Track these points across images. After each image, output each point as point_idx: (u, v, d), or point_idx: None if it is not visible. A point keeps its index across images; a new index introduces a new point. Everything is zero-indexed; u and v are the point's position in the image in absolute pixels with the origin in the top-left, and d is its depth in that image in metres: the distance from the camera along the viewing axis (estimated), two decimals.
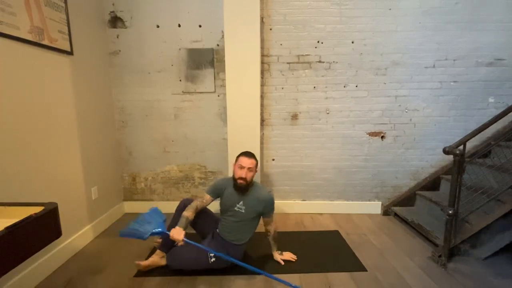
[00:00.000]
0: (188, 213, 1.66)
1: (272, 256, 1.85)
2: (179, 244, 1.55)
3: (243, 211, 1.73)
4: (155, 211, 1.77)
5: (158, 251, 1.75)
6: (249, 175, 1.71)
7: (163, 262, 1.71)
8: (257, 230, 1.80)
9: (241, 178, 1.69)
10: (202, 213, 1.81)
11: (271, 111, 2.50)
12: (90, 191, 2.11)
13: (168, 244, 1.69)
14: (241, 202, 1.74)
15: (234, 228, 1.74)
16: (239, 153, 1.80)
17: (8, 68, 1.43)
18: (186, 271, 1.68)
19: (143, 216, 1.71)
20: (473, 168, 2.08)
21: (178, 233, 1.54)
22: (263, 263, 1.79)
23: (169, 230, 1.59)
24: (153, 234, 1.59)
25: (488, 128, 1.79)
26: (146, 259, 1.79)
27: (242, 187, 1.71)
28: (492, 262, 1.81)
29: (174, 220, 1.74)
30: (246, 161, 1.71)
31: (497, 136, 2.31)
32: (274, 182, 2.62)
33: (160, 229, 1.61)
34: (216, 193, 1.78)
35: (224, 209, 1.77)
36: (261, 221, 1.82)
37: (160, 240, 1.82)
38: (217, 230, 1.80)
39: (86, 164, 2.05)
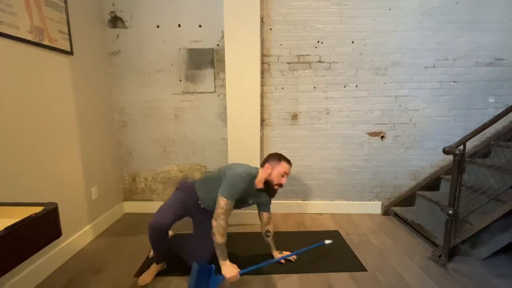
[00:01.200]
0: (224, 238, 1.47)
1: (271, 256, 1.84)
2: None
3: (250, 203, 1.74)
4: (200, 273, 1.44)
5: (154, 264, 1.67)
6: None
7: (164, 266, 1.70)
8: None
9: (280, 185, 1.62)
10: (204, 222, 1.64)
11: (271, 111, 2.50)
12: (90, 191, 2.11)
13: (162, 254, 1.65)
14: (254, 197, 1.72)
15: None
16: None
17: (8, 68, 1.43)
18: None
19: (199, 278, 1.42)
20: (473, 168, 2.09)
21: (235, 276, 1.44)
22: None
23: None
24: None
25: (488, 128, 1.79)
26: (145, 262, 1.81)
27: (275, 193, 1.65)
28: (492, 262, 1.81)
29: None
30: (290, 170, 1.65)
31: (497, 136, 2.32)
32: None
33: (217, 283, 1.46)
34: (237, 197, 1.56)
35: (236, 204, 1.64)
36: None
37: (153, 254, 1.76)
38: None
39: (86, 164, 2.05)
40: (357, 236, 2.19)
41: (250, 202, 1.74)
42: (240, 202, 1.66)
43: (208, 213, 1.61)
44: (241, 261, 1.80)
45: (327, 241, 1.79)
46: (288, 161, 1.67)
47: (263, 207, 1.78)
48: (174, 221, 1.56)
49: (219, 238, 1.45)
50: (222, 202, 1.47)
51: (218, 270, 1.46)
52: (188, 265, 1.59)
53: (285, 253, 1.85)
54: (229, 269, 1.44)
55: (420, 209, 2.46)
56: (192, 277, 1.41)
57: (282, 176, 1.61)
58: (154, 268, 1.66)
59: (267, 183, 1.62)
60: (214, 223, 1.47)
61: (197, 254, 1.61)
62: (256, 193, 1.69)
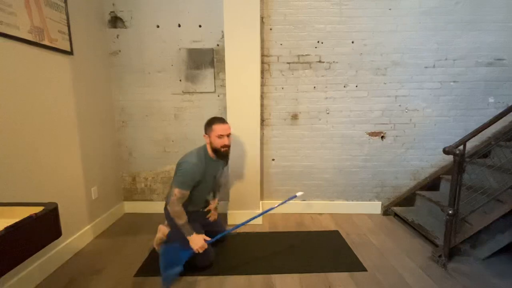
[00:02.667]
0: (183, 220, 1.62)
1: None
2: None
3: (219, 175, 1.90)
4: (168, 251, 1.64)
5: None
6: (230, 141, 1.70)
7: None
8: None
9: (225, 146, 1.67)
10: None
11: (271, 111, 2.50)
12: (90, 191, 2.11)
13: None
14: (220, 168, 1.85)
15: (209, 194, 1.93)
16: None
17: (8, 68, 1.43)
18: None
19: (165, 261, 1.59)
20: (473, 168, 2.09)
21: (201, 246, 1.59)
22: (262, 263, 1.80)
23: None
24: (184, 262, 1.59)
25: (488, 128, 1.79)
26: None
27: (227, 153, 1.73)
28: (492, 262, 1.81)
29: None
30: (225, 128, 1.67)
31: (497, 136, 2.32)
32: (274, 182, 2.62)
33: (188, 256, 1.61)
34: (193, 185, 1.66)
35: (203, 187, 1.75)
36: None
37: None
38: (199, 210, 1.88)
39: (86, 164, 2.05)
40: (357, 236, 2.19)
41: (219, 174, 1.89)
42: (211, 181, 1.81)
43: (198, 217, 1.86)
44: (240, 260, 1.81)
45: (299, 193, 1.83)
46: (219, 120, 1.69)
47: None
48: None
49: (178, 221, 1.60)
50: (175, 191, 1.60)
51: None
52: (193, 265, 1.68)
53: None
54: (195, 241, 1.58)
55: (420, 209, 2.46)
56: (162, 257, 1.60)
57: (220, 137, 1.65)
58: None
59: (215, 151, 1.69)
60: (169, 209, 1.61)
61: (201, 255, 1.65)
62: (219, 164, 1.82)
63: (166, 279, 1.55)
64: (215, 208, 2.02)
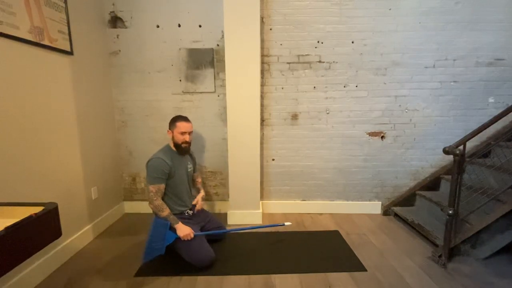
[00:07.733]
0: (166, 211, 1.72)
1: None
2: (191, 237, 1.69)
3: (191, 169, 1.99)
4: (157, 224, 1.72)
5: None
6: (191, 138, 1.87)
7: None
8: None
9: (186, 143, 1.83)
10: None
11: (271, 111, 2.50)
12: (90, 191, 2.11)
13: None
14: (188, 163, 1.93)
15: (189, 190, 1.97)
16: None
17: (8, 68, 1.43)
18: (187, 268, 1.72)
19: (152, 234, 1.69)
20: (473, 168, 2.09)
21: (187, 234, 1.68)
22: (262, 263, 1.80)
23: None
24: (168, 244, 1.69)
25: (488, 128, 1.79)
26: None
27: (187, 149, 1.87)
28: (492, 262, 1.81)
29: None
30: (187, 126, 1.83)
31: (497, 136, 2.32)
32: (274, 182, 2.62)
33: (172, 239, 1.69)
34: (166, 177, 1.77)
35: (179, 180, 1.84)
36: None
37: None
38: (186, 212, 1.90)
39: (86, 164, 2.05)
40: (357, 236, 2.19)
41: (190, 168, 1.99)
42: (185, 175, 1.91)
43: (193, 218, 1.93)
44: (240, 260, 1.81)
45: (287, 223, 2.03)
46: (183, 119, 1.85)
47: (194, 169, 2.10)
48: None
49: (161, 214, 1.70)
50: (150, 188, 1.72)
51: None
52: (193, 265, 1.71)
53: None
54: (182, 229, 1.69)
55: (420, 209, 2.46)
56: (152, 228, 1.70)
57: (182, 134, 1.81)
58: None
59: (177, 146, 1.84)
60: (151, 205, 1.72)
61: (199, 256, 1.70)
62: (186, 159, 1.95)
63: (148, 254, 1.66)
64: (202, 197, 2.03)
